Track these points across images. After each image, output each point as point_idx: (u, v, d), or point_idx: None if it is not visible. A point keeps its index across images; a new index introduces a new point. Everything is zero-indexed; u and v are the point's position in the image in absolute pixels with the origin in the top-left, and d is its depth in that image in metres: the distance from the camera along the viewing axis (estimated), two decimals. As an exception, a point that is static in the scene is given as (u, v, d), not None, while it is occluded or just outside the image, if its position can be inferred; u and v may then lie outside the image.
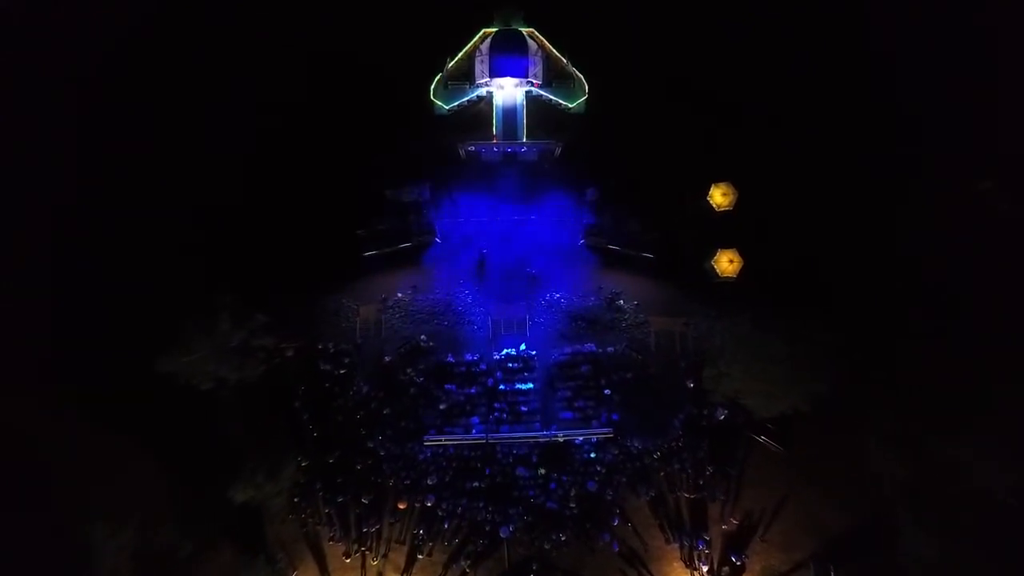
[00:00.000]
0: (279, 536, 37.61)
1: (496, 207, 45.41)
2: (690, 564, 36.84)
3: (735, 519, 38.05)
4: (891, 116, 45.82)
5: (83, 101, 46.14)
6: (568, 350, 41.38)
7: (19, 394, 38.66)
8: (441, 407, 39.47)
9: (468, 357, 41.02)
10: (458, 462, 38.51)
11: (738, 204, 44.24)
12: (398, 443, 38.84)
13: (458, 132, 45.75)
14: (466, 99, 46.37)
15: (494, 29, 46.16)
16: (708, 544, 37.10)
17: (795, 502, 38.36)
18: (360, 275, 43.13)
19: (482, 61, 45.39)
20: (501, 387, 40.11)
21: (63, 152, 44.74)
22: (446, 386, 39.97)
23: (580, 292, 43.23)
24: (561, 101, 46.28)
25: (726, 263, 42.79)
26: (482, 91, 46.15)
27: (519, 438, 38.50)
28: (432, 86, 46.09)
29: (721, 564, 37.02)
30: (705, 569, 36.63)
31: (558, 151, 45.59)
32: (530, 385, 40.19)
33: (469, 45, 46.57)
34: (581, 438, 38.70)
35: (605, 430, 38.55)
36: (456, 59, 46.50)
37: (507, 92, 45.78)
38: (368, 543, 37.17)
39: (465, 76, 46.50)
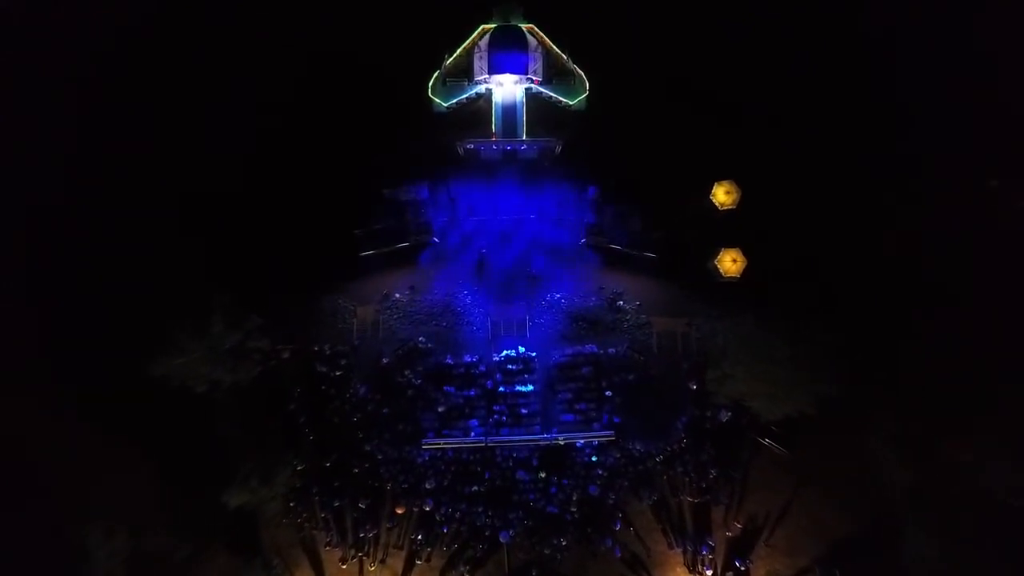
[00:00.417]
0: (275, 541, 37.39)
1: (495, 206, 45.22)
2: (693, 569, 36.64)
3: (739, 523, 37.84)
4: (894, 114, 45.69)
5: (79, 101, 46.05)
6: (569, 351, 41.19)
7: (12, 396, 38.48)
8: (440, 409, 39.29)
9: (467, 359, 40.84)
10: (457, 466, 38.30)
11: (741, 203, 44.09)
12: (396, 446, 38.63)
13: (457, 130, 45.56)
14: (465, 96, 46.15)
15: (493, 25, 45.94)
16: (712, 549, 36.90)
17: (799, 506, 38.20)
18: (357, 275, 42.95)
19: (481, 58, 45.18)
20: (501, 389, 39.93)
21: (58, 152, 44.61)
22: (445, 388, 39.78)
23: (581, 292, 43.05)
24: (561, 98, 46.08)
25: (729, 263, 42.60)
26: (481, 88, 45.93)
27: (519, 441, 38.28)
28: (430, 83, 45.86)
29: (725, 569, 36.80)
30: (709, 574, 36.40)
31: (558, 149, 45.40)
32: (530, 387, 40.03)
33: (468, 41, 46.41)
34: (582, 441, 38.50)
35: (607, 433, 38.36)
36: (455, 56, 46.34)
37: (506, 89, 45.58)
38: (365, 548, 36.94)
39: (464, 73, 46.31)
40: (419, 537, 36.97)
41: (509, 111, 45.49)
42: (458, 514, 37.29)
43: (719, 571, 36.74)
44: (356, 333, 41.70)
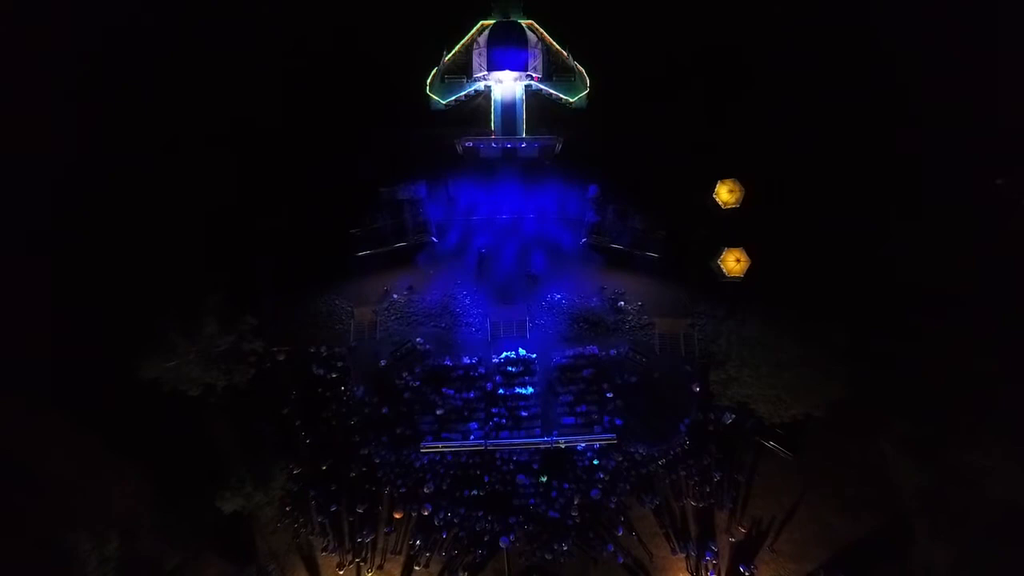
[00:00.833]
0: (270, 547, 37.16)
1: (495, 205, 44.92)
2: (697, 575, 36.28)
3: (743, 528, 37.57)
4: (900, 112, 45.40)
5: (69, 99, 45.67)
6: (570, 353, 40.92)
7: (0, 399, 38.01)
8: (438, 412, 39.01)
9: (466, 360, 40.57)
10: (456, 469, 38.04)
11: (745, 201, 43.76)
12: (393, 450, 38.36)
13: (455, 128, 45.21)
14: (463, 93, 45.80)
15: (492, 21, 45.61)
16: (716, 554, 36.66)
17: (805, 510, 37.96)
18: (354, 276, 42.65)
19: (480, 54, 44.89)
20: (500, 391, 39.65)
21: (49, 151, 44.22)
22: (443, 390, 39.50)
23: (582, 293, 42.78)
24: (562, 95, 45.74)
25: (733, 262, 42.31)
26: (480, 85, 45.59)
27: (519, 444, 38.01)
28: (428, 80, 45.51)
29: (729, 575, 36.51)
30: (713, 580, 36.10)
31: (559, 147, 45.07)
32: (530, 389, 39.75)
33: (467, 38, 46.05)
34: (583, 444, 38.23)
35: (608, 436, 38.06)
36: (453, 52, 45.99)
37: (506, 86, 45.26)
38: (363, 554, 36.72)
39: (462, 70, 45.92)
40: (417, 542, 36.75)
41: (508, 108, 45.18)
42: (457, 519, 37.06)
43: (723, 577, 36.37)
44: (353, 334, 41.44)
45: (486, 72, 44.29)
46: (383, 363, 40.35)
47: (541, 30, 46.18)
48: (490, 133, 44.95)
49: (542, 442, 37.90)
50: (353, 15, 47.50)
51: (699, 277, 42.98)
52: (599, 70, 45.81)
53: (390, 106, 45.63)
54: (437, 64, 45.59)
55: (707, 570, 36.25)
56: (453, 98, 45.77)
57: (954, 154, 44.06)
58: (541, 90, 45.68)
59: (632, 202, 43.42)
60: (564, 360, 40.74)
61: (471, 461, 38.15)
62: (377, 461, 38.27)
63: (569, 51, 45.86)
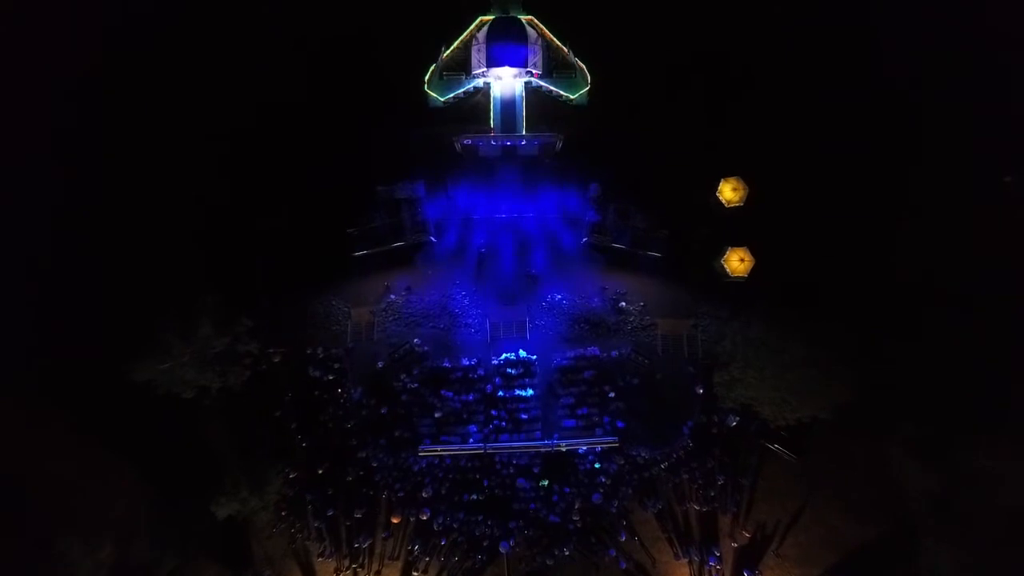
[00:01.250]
0: (266, 552, 37.01)
1: (494, 204, 44.59)
2: (700, 581, 36.14)
3: (748, 533, 37.39)
4: (907, 108, 45.08)
5: (64, 97, 45.34)
6: (570, 354, 40.71)
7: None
8: (437, 415, 38.78)
9: (465, 362, 40.33)
10: (455, 473, 37.88)
11: (749, 200, 43.43)
12: (391, 453, 38.15)
13: (454, 125, 44.93)
14: (462, 90, 45.47)
15: (491, 17, 45.27)
16: (719, 559, 36.48)
17: (811, 514, 37.80)
18: (351, 276, 42.37)
19: (479, 50, 44.52)
20: (500, 394, 39.41)
21: (39, 150, 43.95)
22: (442, 393, 39.26)
23: (583, 293, 42.51)
24: (562, 92, 45.42)
25: (736, 262, 42.05)
26: (479, 82, 45.28)
27: (519, 448, 37.82)
28: (426, 77, 45.22)
29: (733, 580, 36.32)
30: (717, 586, 35.91)
31: (559, 145, 44.78)
32: (530, 391, 39.52)
33: (465, 34, 45.69)
34: (585, 447, 38.06)
35: (610, 439, 37.86)
36: (452, 48, 45.66)
37: (505, 83, 44.95)
38: (360, 559, 36.55)
39: (461, 66, 45.57)
40: (416, 548, 36.56)
41: (508, 106, 44.88)
42: (456, 524, 36.89)
43: (727, 582, 36.18)
44: (350, 335, 41.19)
45: (485, 69, 43.95)
46: (381, 365, 40.08)
47: (541, 26, 45.84)
48: (489, 131, 44.64)
49: (543, 445, 37.69)
50: (351, 11, 47.12)
51: (702, 277, 42.71)
52: (600, 66, 45.49)
53: (387, 104, 45.25)
54: (435, 61, 45.25)
55: (711, 575, 35.98)
56: (452, 95, 45.42)
57: (958, 153, 43.79)
58: (541, 87, 45.37)
59: (634, 201, 43.14)
60: (565, 362, 40.52)
61: (470, 465, 37.94)
62: (375, 465, 38.04)
63: (569, 47, 45.53)
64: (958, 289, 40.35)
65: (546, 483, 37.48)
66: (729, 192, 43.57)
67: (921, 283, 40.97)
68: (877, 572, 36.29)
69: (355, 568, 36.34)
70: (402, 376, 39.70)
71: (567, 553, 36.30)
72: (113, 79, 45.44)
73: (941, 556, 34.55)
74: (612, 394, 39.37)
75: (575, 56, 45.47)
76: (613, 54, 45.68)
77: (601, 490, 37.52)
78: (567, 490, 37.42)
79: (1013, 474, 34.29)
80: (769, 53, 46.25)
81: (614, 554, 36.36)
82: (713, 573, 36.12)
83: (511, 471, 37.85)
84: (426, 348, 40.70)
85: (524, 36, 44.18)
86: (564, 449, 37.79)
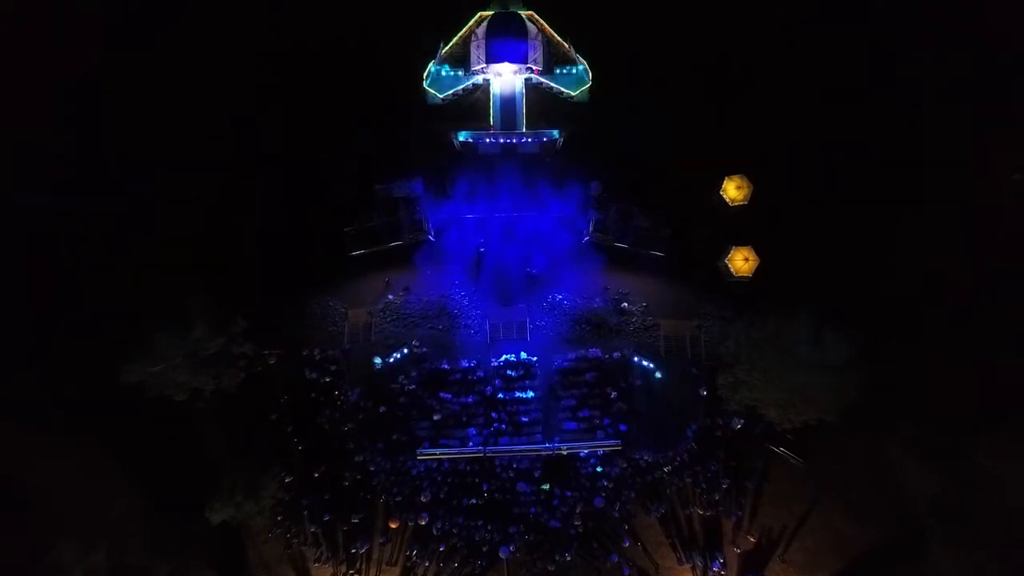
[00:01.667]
0: (261, 557, 36.79)
1: (494, 202, 44.40)
2: (704, 586, 35.87)
3: (752, 537, 37.13)
4: (913, 106, 44.79)
5: (56, 96, 45.18)
6: (572, 356, 40.52)
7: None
8: (435, 418, 38.58)
9: (464, 363, 40.15)
10: (454, 477, 37.64)
11: (753, 198, 43.16)
12: (389, 457, 37.95)
13: (453, 122, 44.76)
14: (461, 87, 45.16)
15: (491, 12, 44.90)
16: (724, 565, 36.15)
17: (817, 518, 37.51)
18: (348, 276, 42.22)
19: (478, 46, 44.23)
20: (500, 396, 39.22)
21: (33, 148, 43.84)
22: (441, 395, 39.07)
23: (584, 293, 42.33)
24: (563, 89, 45.07)
25: (741, 261, 41.80)
26: (479, 78, 44.98)
27: (519, 451, 37.58)
28: (425, 73, 44.91)
29: (738, 586, 36.06)
30: (721, 591, 35.67)
31: (560, 142, 44.64)
32: (531, 394, 39.34)
33: (464, 29, 45.38)
34: (586, 451, 37.79)
35: (612, 442, 37.64)
36: (451, 44, 45.40)
37: (505, 79, 44.67)
38: (357, 565, 36.35)
39: (460, 62, 45.32)
40: (414, 553, 36.32)
41: (508, 102, 44.61)
42: (455, 528, 36.64)
43: (732, 588, 35.94)
44: (347, 337, 40.99)
45: (485, 65, 43.66)
46: (378, 366, 39.83)
47: (541, 21, 45.55)
48: (489, 128, 44.36)
49: (543, 448, 37.46)
50: (350, 8, 46.94)
51: (706, 277, 42.52)
52: (601, 62, 45.15)
53: (386, 101, 45.05)
54: (434, 57, 44.93)
55: (715, 581, 35.81)
56: (451, 92, 45.13)
57: (963, 151, 43.67)
58: (541, 83, 45.05)
59: (636, 199, 42.92)
60: (566, 363, 40.31)
61: (470, 468, 37.72)
62: (372, 468, 37.85)
63: (570, 43, 45.22)
64: (963, 288, 40.11)
65: (547, 487, 37.18)
66: (733, 190, 43.28)
67: (925, 282, 40.69)
68: (884, 576, 36.05)
69: (352, 574, 36.07)
70: (400, 378, 39.49)
71: (568, 559, 36.04)
72: (107, 77, 45.26)
73: (947, 560, 34.25)
74: (614, 396, 39.13)
75: (576, 52, 45.14)
76: (615, 50, 45.40)
77: (603, 494, 37.29)
78: (568, 494, 37.20)
79: (1019, 476, 34.13)
80: (774, 49, 45.98)
81: (616, 559, 36.12)
82: (717, 578, 35.87)
83: (511, 475, 37.60)
84: (425, 349, 40.47)
85: (524, 32, 43.92)
86: (565, 452, 37.53)
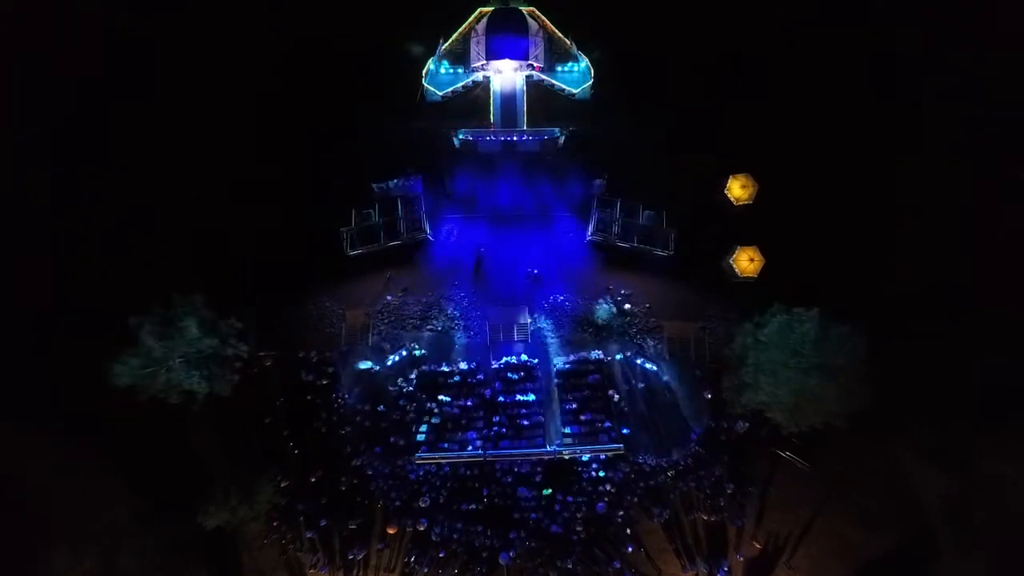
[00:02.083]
0: (256, 564, 36.43)
1: (494, 201, 44.18)
2: (709, 593, 35.57)
3: (758, 543, 36.87)
4: (918, 105, 44.53)
5: (49, 94, 44.75)
6: (573, 357, 40.22)
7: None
8: (434, 421, 38.18)
9: (464, 366, 39.80)
10: (453, 481, 37.37)
11: (759, 197, 42.87)
12: (387, 461, 37.69)
13: (452, 120, 44.45)
14: (461, 84, 44.96)
15: (491, 8, 44.71)
16: (728, 571, 35.83)
17: (824, 524, 37.14)
18: (345, 276, 41.83)
19: (478, 43, 43.97)
20: (500, 399, 38.87)
21: (19, 143, 43.40)
22: (440, 398, 38.71)
23: (586, 294, 42.00)
24: (565, 87, 44.87)
25: (746, 262, 41.45)
26: (479, 76, 44.72)
27: (520, 455, 37.25)
28: (424, 70, 44.62)
29: (743, 593, 35.78)
30: (726, 599, 35.36)
31: (562, 140, 44.30)
32: (532, 396, 38.97)
33: (464, 25, 45.18)
34: (588, 455, 37.44)
35: (615, 446, 37.22)
36: (450, 40, 45.15)
37: (506, 76, 44.37)
38: (354, 571, 36.07)
39: (460, 59, 45.05)
40: (412, 559, 36.02)
41: (508, 100, 44.33)
42: (455, 534, 36.32)
43: (737, 595, 35.67)
44: (344, 338, 40.59)
45: (485, 61, 43.37)
46: (376, 368, 39.55)
47: (543, 17, 45.29)
48: (489, 126, 44.09)
49: (544, 452, 37.09)
50: (348, 4, 46.52)
51: (710, 277, 42.13)
52: (604, 59, 44.96)
53: (384, 98, 44.75)
54: (433, 54, 44.67)
55: (720, 588, 35.44)
56: (450, 89, 44.88)
57: (971, 150, 43.26)
58: (543, 81, 44.78)
59: (639, 198, 42.47)
60: (568, 365, 39.99)
61: (469, 473, 37.39)
62: (370, 473, 37.52)
63: (572, 39, 44.93)
64: (972, 289, 39.72)
65: (549, 492, 36.88)
66: (738, 189, 42.94)
67: (935, 283, 40.34)
68: (893, 585, 35.67)
69: (349, 581, 35.79)
70: (398, 380, 39.19)
71: (570, 566, 35.70)
72: (102, 75, 44.84)
73: (960, 567, 33.93)
74: (617, 399, 38.88)
75: (578, 49, 44.86)
76: (617, 46, 45.13)
77: (605, 499, 36.97)
78: (570, 499, 36.87)
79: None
80: (780, 45, 45.59)
81: (619, 566, 35.80)
82: (722, 585, 35.52)
83: (512, 479, 37.31)
84: (423, 351, 40.17)
85: (525, 28, 43.62)
86: (567, 456, 37.21)
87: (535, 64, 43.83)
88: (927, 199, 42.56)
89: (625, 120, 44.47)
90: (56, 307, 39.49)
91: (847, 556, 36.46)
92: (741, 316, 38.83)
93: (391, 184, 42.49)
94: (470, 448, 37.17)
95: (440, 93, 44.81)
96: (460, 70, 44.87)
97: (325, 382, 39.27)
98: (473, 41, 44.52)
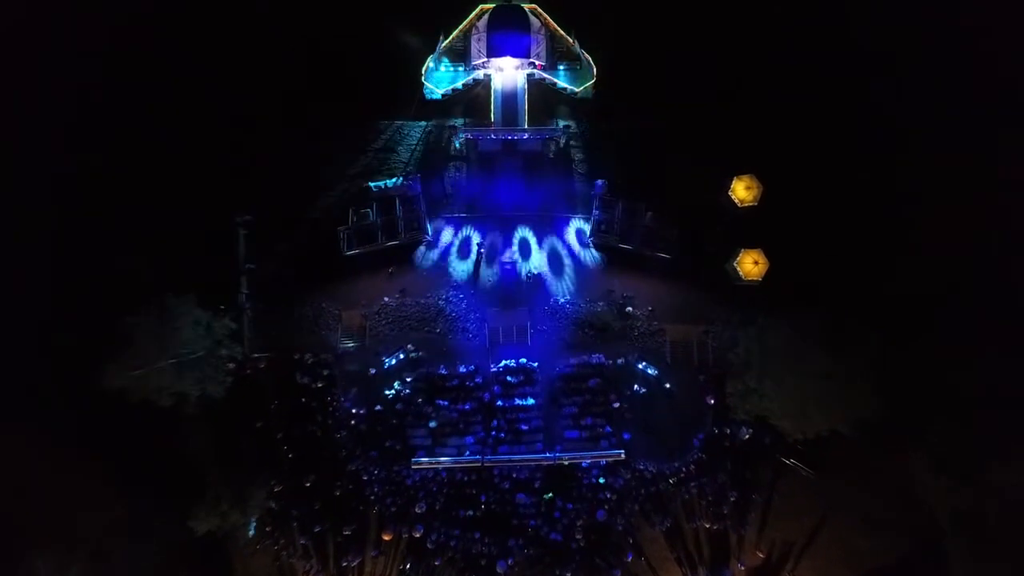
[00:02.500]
0: (248, 570, 36.19)
1: (494, 201, 43.92)
2: (711, 603, 35.34)
3: (761, 552, 36.64)
4: (924, 104, 44.08)
5: (39, 88, 44.41)
6: (574, 361, 39.92)
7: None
8: (432, 425, 38.03)
9: (462, 369, 39.54)
10: (450, 487, 37.14)
11: (763, 199, 42.54)
12: (383, 466, 37.42)
13: (452, 118, 44.46)
14: (461, 83, 44.72)
15: (492, 5, 44.29)
16: (732, 581, 35.50)
17: (829, 533, 36.85)
18: (342, 277, 41.56)
19: (479, 40, 43.59)
20: (499, 403, 38.66)
21: (16, 142, 42.92)
22: (437, 401, 38.53)
23: (588, 296, 41.77)
24: (567, 85, 44.63)
25: (750, 265, 41.17)
26: (479, 74, 44.42)
27: (519, 460, 37.03)
28: (423, 68, 44.30)
29: (746, 604, 35.51)
30: (728, 609, 35.15)
31: (563, 140, 44.14)
32: (532, 401, 38.77)
33: (465, 22, 44.75)
34: (589, 460, 37.27)
35: (615, 452, 37.05)
36: (450, 38, 44.78)
37: (507, 74, 44.10)
38: (349, 579, 35.76)
39: (460, 57, 44.87)
40: (408, 567, 35.82)
41: (509, 98, 44.06)
42: (451, 541, 36.08)
43: (740, 606, 35.40)
44: (340, 340, 40.31)
45: (485, 59, 43.05)
46: (372, 371, 39.26)
47: (544, 15, 44.89)
48: (489, 124, 43.90)
49: (544, 458, 36.88)
50: (347, 3, 46.40)
51: (714, 280, 41.81)
52: (607, 57, 44.58)
53: (383, 96, 44.60)
54: (433, 51, 44.34)
55: (723, 598, 35.23)
56: (450, 87, 44.65)
57: (980, 150, 42.92)
58: (544, 79, 44.50)
59: (642, 199, 42.17)
60: (568, 369, 39.73)
61: (467, 478, 37.13)
62: (365, 478, 37.27)
63: (575, 37, 44.63)
64: (997, 291, 39.46)
65: (550, 496, 36.67)
66: (742, 191, 42.64)
67: (943, 286, 39.89)
68: (901, 596, 35.37)
69: (343, 588, 35.55)
70: (395, 384, 38.90)
71: (569, 574, 35.46)
72: (100, 75, 44.65)
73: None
74: (618, 404, 38.61)
75: (580, 47, 44.55)
76: (620, 44, 44.82)
77: (606, 506, 36.75)
78: (570, 506, 36.64)
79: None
80: (784, 44, 45.31)
81: (619, 574, 35.59)
82: (724, 595, 35.30)
83: (510, 486, 37.06)
84: (421, 354, 39.89)
85: (527, 25, 43.24)
86: (567, 462, 36.99)
87: (537, 62, 43.54)
88: (934, 201, 42.13)
89: (627, 119, 44.35)
90: (46, 308, 39.16)
91: (853, 565, 36.14)
92: (745, 320, 38.76)
93: (389, 183, 42.31)
94: (468, 453, 37.01)
95: (440, 91, 44.58)
96: (460, 68, 44.68)
97: (320, 385, 38.98)
98: (474, 38, 44.15)
